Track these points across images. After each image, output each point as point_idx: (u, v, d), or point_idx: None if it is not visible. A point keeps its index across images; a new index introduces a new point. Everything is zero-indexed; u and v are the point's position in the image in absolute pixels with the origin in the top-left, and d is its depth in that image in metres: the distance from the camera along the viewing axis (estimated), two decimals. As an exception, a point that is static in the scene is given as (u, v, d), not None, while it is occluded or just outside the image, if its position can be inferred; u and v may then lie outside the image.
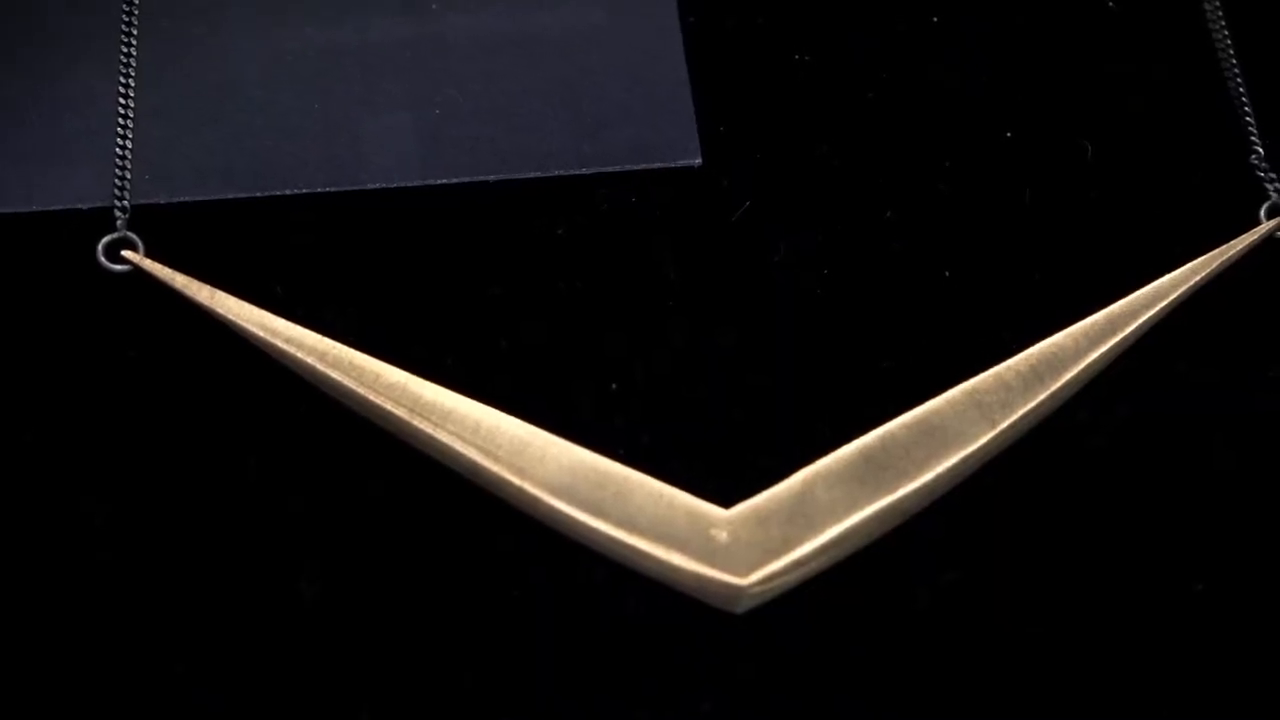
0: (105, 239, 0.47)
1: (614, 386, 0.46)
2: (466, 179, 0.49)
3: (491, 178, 0.49)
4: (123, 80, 0.49)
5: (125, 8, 0.50)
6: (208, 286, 0.46)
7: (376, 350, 0.45)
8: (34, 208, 0.48)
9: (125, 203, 0.47)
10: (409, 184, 0.49)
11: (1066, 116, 0.51)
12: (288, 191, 0.48)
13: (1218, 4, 0.52)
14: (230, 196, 0.48)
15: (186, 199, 0.48)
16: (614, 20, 0.51)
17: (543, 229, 0.49)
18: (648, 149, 0.50)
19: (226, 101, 0.49)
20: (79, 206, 0.48)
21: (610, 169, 0.49)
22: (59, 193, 0.48)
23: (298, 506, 0.44)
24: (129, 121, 0.48)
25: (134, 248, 0.47)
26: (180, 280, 0.46)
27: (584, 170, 0.49)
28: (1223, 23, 0.52)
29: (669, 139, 0.50)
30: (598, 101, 0.50)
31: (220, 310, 0.45)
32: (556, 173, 0.49)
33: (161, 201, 0.48)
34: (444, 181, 0.49)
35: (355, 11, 0.51)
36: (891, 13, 0.53)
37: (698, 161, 0.50)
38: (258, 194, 0.48)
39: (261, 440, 0.45)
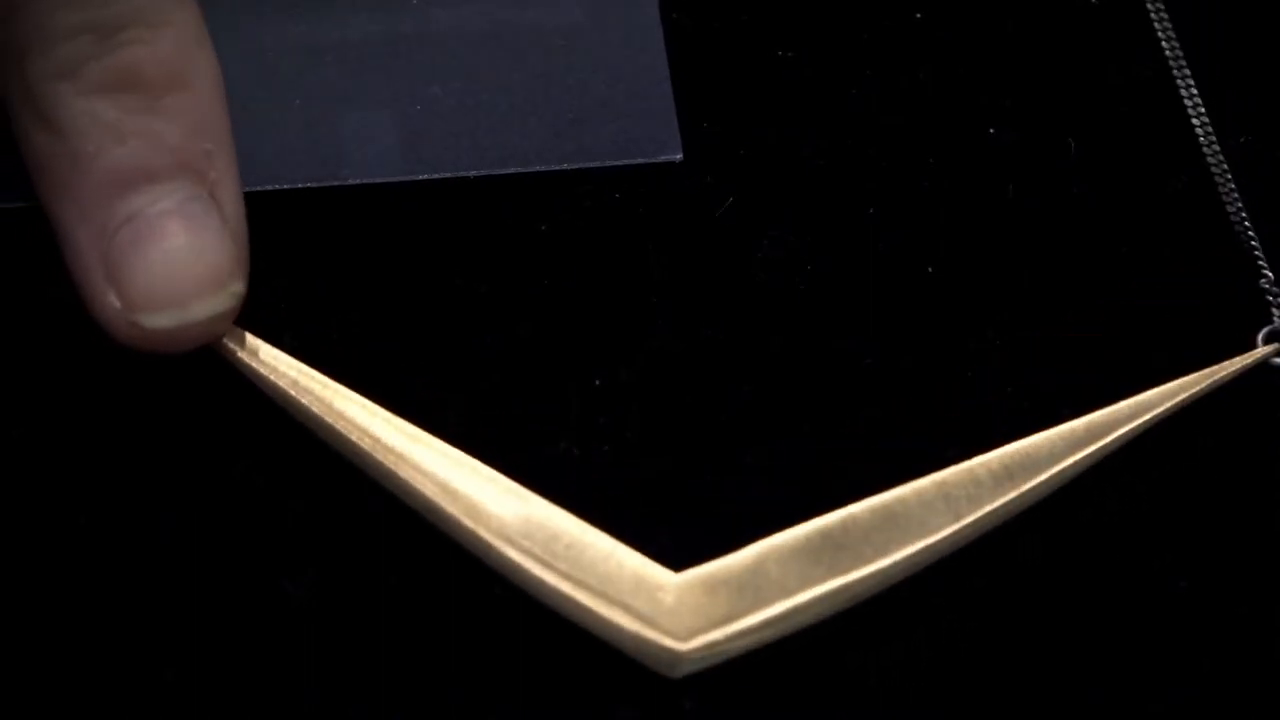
0: None
1: (597, 383, 0.46)
2: (448, 175, 0.49)
3: (473, 173, 0.49)
4: None
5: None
6: None
7: (355, 346, 0.45)
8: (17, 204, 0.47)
9: None
10: (390, 180, 0.48)
11: (1051, 113, 0.51)
12: (267, 187, 0.48)
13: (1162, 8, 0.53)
14: (210, 192, 0.48)
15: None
16: (595, 16, 0.51)
17: (524, 225, 0.48)
18: (629, 145, 0.49)
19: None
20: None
21: (592, 165, 0.49)
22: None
23: (278, 513, 0.44)
24: None
25: None
26: None
27: (566, 166, 0.49)
28: (1173, 36, 0.52)
29: (651, 135, 0.50)
30: (579, 97, 0.50)
31: None
32: (538, 169, 0.49)
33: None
34: (425, 177, 0.49)
35: (336, 7, 0.50)
36: (875, 9, 0.53)
37: (679, 157, 0.50)
38: (237, 189, 0.48)
39: (239, 448, 0.45)
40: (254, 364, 0.44)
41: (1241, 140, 0.51)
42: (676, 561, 0.43)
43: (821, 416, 0.46)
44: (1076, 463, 0.45)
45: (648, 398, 0.46)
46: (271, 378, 0.44)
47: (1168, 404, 0.46)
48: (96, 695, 0.42)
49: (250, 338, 0.44)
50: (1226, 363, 0.47)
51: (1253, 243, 0.49)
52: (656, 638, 0.42)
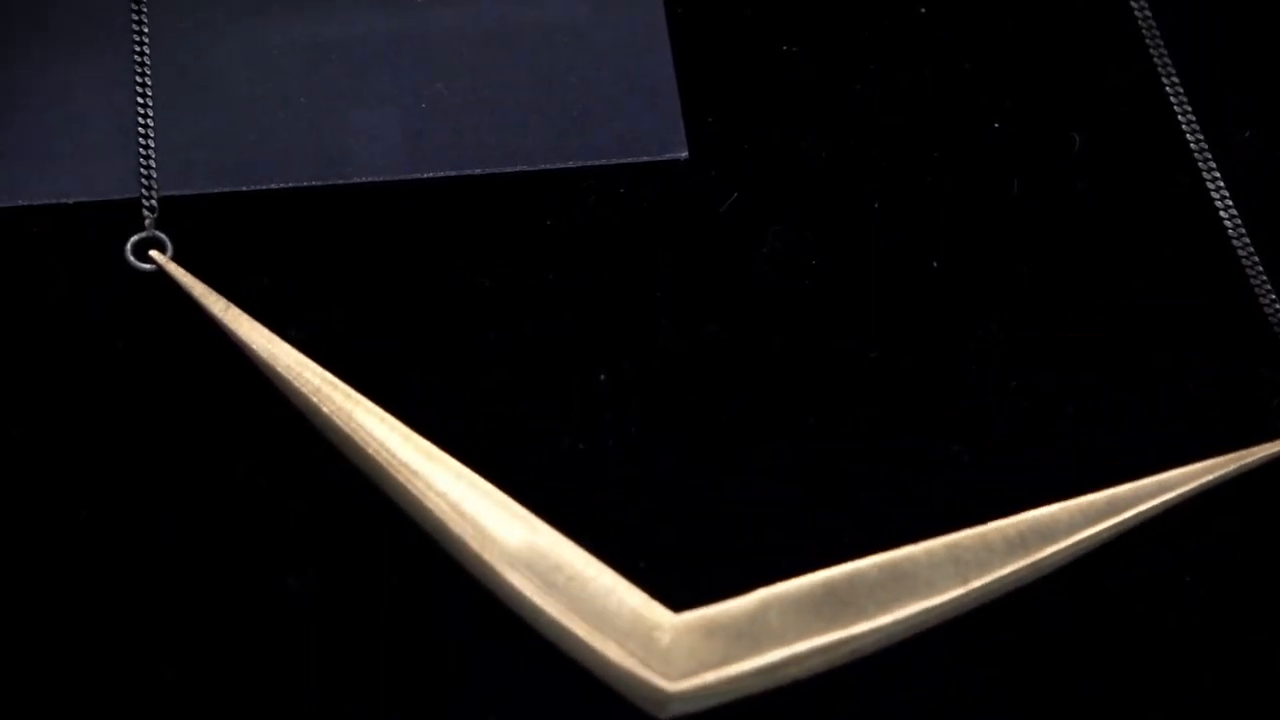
0: (134, 237, 0.47)
1: (602, 378, 0.46)
2: (453, 173, 0.48)
3: (478, 172, 0.49)
4: (139, 77, 0.49)
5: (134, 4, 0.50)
6: (223, 300, 0.45)
7: (360, 343, 0.46)
8: (18, 202, 0.48)
9: (153, 200, 0.47)
10: (395, 178, 0.48)
11: (1054, 108, 0.51)
12: (273, 186, 0.48)
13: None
14: (214, 191, 0.48)
15: (171, 193, 0.48)
16: (600, 13, 0.51)
17: (529, 222, 0.48)
18: (634, 142, 0.49)
19: (212, 96, 0.49)
20: (64, 201, 0.47)
21: (597, 162, 0.49)
22: (51, 189, 0.48)
23: (279, 514, 0.44)
24: (149, 117, 0.48)
25: (162, 248, 0.47)
26: (199, 289, 0.45)
27: (571, 164, 0.49)
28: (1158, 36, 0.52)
29: (655, 132, 0.50)
30: (584, 95, 0.50)
31: (230, 325, 0.45)
32: (543, 167, 0.49)
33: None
34: (430, 176, 0.48)
35: (341, 6, 0.50)
36: (879, 3, 0.52)
37: (684, 155, 0.49)
38: (243, 188, 0.48)
39: (241, 448, 0.45)
40: (278, 369, 0.44)
41: (1246, 134, 0.51)
42: (676, 556, 0.43)
43: (825, 413, 0.46)
44: (1092, 536, 0.44)
45: (652, 394, 0.46)
46: (296, 384, 0.44)
47: (1191, 485, 0.45)
48: (97, 695, 0.42)
49: (276, 341, 0.44)
50: (1254, 449, 0.46)
51: (1249, 246, 0.49)
52: (648, 676, 0.41)
